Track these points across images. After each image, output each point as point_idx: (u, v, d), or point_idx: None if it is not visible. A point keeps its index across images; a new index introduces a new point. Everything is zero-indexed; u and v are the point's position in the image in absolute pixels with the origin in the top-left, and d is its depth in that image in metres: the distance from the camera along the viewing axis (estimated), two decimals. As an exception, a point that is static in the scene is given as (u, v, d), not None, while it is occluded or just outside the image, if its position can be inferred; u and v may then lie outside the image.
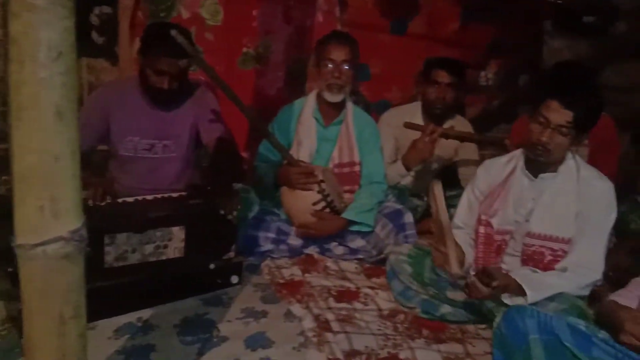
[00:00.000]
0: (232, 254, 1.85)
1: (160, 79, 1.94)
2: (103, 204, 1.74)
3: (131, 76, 2.17)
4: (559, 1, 2.96)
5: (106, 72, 2.54)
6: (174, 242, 1.70)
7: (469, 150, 2.70)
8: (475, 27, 2.92)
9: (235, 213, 1.78)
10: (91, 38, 2.42)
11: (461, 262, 1.72)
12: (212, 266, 1.79)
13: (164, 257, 1.68)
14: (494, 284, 1.51)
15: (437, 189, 1.64)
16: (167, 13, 2.39)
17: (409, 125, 2.39)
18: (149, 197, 1.85)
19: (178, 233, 1.70)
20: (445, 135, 2.37)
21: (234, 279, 1.86)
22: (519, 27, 3.02)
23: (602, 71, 3.00)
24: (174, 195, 1.91)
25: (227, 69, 2.54)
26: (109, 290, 1.57)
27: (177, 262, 1.72)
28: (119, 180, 2.13)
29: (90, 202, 1.71)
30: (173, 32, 1.72)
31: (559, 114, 1.57)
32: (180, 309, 1.71)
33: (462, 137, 2.45)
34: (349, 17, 2.71)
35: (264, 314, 1.74)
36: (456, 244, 1.71)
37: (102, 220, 1.61)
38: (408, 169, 2.40)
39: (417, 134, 2.36)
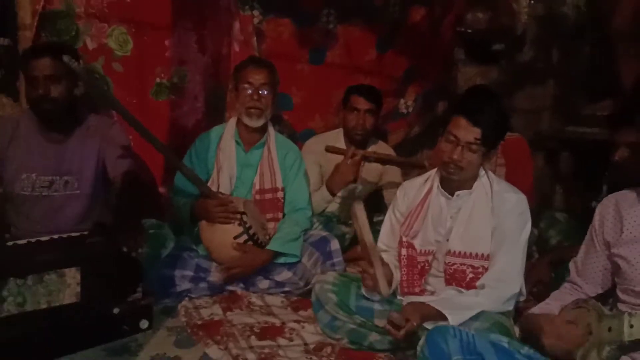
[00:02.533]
0: (138, 295, 1.68)
1: (36, 87, 1.83)
2: None
3: (24, 110, 2.01)
4: (469, 30, 3.11)
5: (6, 108, 2.35)
6: (68, 286, 1.52)
7: (394, 175, 2.72)
8: (391, 56, 2.99)
9: (140, 250, 1.63)
10: (-12, 72, 2.24)
11: (389, 282, 1.70)
12: (116, 310, 1.62)
13: (56, 304, 1.50)
14: (401, 333, 1.48)
15: (358, 209, 1.62)
16: (71, 44, 2.26)
17: (330, 149, 2.39)
18: (44, 239, 1.67)
19: (72, 276, 1.53)
20: (367, 158, 2.38)
21: (144, 323, 1.70)
22: (433, 56, 3.13)
23: (512, 95, 3.17)
24: (74, 235, 1.74)
25: (140, 100, 2.42)
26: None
27: (72, 308, 1.53)
28: (16, 224, 1.95)
29: None
30: (66, 58, 1.60)
31: (467, 131, 1.60)
32: (80, 362, 1.53)
33: (382, 160, 2.48)
34: (266, 47, 2.70)
35: None
36: (383, 263, 1.69)
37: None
38: (333, 193, 2.38)
39: (340, 159, 2.35)
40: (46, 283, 1.49)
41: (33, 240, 1.66)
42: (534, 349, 1.34)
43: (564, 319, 1.37)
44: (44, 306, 1.49)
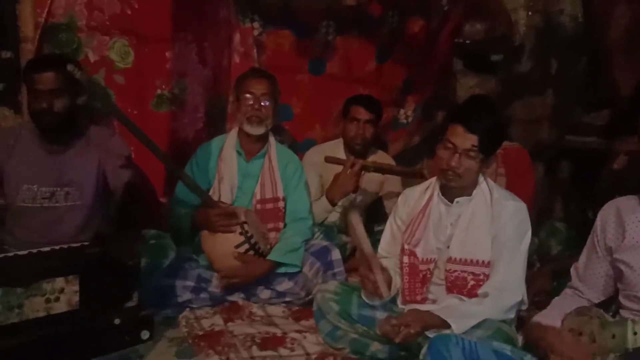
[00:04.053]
0: (134, 303, 1.67)
1: (40, 100, 1.83)
2: None
3: (24, 121, 2.02)
4: (467, 41, 3.13)
5: (8, 121, 2.36)
6: (67, 294, 1.52)
7: (394, 184, 2.72)
8: (390, 66, 3.01)
9: (136, 259, 1.63)
10: (-9, 85, 2.25)
11: (389, 285, 1.70)
12: (117, 321, 1.61)
13: (55, 312, 1.50)
14: (398, 338, 1.47)
15: (354, 218, 1.63)
16: (73, 56, 2.27)
17: (330, 160, 2.39)
18: (45, 249, 1.67)
19: (72, 283, 1.53)
20: (367, 168, 2.38)
21: (145, 334, 1.69)
22: (431, 66, 3.15)
23: (511, 105, 3.18)
24: (74, 245, 1.73)
25: (141, 112, 2.43)
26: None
27: (71, 316, 1.53)
28: (16, 235, 1.95)
29: None
30: (70, 67, 1.61)
31: (464, 139, 1.61)
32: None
33: (382, 170, 2.48)
34: (267, 58, 2.71)
35: (178, 370, 1.58)
36: (382, 268, 1.69)
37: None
38: (333, 203, 2.37)
39: (340, 169, 2.35)
40: (45, 291, 1.48)
41: (34, 251, 1.66)
42: (536, 357, 1.34)
43: (569, 331, 1.36)
44: (42, 314, 1.48)
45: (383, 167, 2.49)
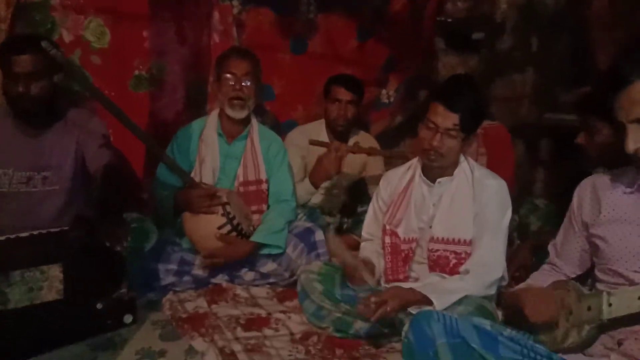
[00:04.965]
0: (123, 291, 1.66)
1: (16, 84, 1.77)
2: None
3: (-1, 104, 1.96)
4: (449, 19, 3.12)
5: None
6: (50, 282, 1.50)
7: (376, 165, 2.72)
8: (372, 45, 2.99)
9: (124, 244, 1.61)
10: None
11: (373, 272, 1.73)
12: (99, 306, 1.60)
13: (38, 301, 1.47)
14: (375, 315, 1.50)
15: (332, 242, 1.71)
16: (48, 36, 2.20)
17: (314, 143, 2.38)
18: (23, 235, 1.64)
19: (54, 272, 1.50)
20: (351, 151, 2.37)
21: (128, 318, 1.68)
22: (414, 45, 3.13)
23: (493, 83, 3.19)
24: (54, 230, 1.70)
25: (119, 93, 2.37)
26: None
27: (55, 305, 1.51)
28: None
29: None
30: (44, 44, 1.56)
31: (445, 118, 1.62)
32: (64, 357, 1.51)
33: (366, 152, 2.47)
34: (247, 37, 2.67)
35: (162, 353, 1.58)
36: (366, 262, 1.72)
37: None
38: (315, 186, 2.36)
39: (323, 151, 2.34)
40: (27, 280, 1.46)
41: (12, 236, 1.62)
42: (516, 330, 1.37)
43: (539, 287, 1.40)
44: (26, 304, 1.46)
45: (367, 151, 2.48)
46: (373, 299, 1.51)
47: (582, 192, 1.45)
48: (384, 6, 2.93)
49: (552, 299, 1.36)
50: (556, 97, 3.21)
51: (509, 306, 1.44)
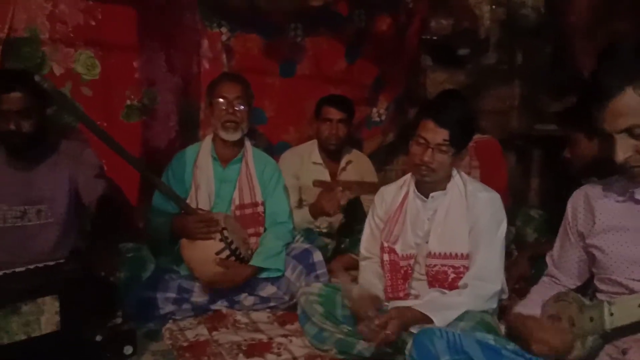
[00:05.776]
0: (118, 320, 1.64)
1: (7, 122, 1.77)
2: None
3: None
4: (434, 37, 3.18)
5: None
6: (47, 314, 1.48)
7: (372, 176, 2.76)
8: (360, 65, 3.03)
9: (118, 274, 1.60)
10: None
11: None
12: (98, 338, 1.58)
13: (35, 334, 1.45)
14: (376, 341, 1.49)
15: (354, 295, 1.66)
16: (38, 71, 2.22)
17: (317, 184, 2.39)
18: (19, 270, 1.62)
19: (51, 304, 1.49)
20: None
21: (128, 349, 1.65)
22: (401, 63, 3.18)
23: (481, 97, 3.24)
24: (50, 263, 1.69)
25: (111, 123, 2.38)
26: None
27: (53, 337, 1.49)
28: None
29: None
30: (37, 78, 1.57)
31: (435, 134, 1.64)
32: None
33: (365, 193, 2.48)
34: (236, 63, 2.70)
35: (165, 384, 1.56)
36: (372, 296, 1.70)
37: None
38: (314, 218, 2.38)
39: (319, 175, 2.40)
40: (24, 314, 1.44)
41: (9, 271, 1.61)
42: (519, 346, 1.36)
43: (549, 317, 1.38)
44: (22, 337, 1.44)
45: (366, 190, 2.47)
46: (376, 323, 1.49)
47: (576, 203, 1.46)
48: (369, 26, 2.98)
49: (563, 337, 1.31)
50: (544, 107, 3.26)
51: (514, 329, 1.43)
